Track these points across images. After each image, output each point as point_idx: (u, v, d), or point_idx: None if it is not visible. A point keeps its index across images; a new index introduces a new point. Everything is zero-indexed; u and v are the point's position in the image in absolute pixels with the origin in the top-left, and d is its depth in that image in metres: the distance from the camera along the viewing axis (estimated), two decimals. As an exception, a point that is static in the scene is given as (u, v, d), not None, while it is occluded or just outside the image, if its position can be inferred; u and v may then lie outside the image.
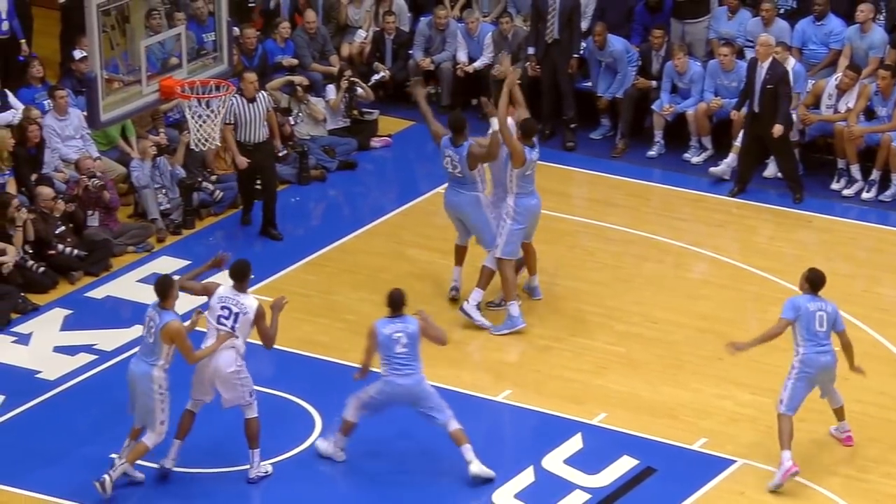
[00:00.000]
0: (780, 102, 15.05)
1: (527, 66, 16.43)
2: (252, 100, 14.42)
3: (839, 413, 11.55)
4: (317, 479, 11.43)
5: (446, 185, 13.38)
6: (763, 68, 15.08)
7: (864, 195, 15.53)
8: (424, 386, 11.18)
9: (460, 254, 13.57)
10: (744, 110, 15.34)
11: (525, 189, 12.93)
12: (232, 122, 14.33)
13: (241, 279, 11.09)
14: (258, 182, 14.77)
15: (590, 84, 16.76)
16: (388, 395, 11.17)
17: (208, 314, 11.05)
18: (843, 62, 15.77)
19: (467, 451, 11.18)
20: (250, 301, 11.03)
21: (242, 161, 14.50)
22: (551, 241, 14.33)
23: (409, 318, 11.12)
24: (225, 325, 10.97)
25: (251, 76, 14.64)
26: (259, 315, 11.02)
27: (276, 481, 11.32)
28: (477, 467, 11.15)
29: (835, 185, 15.73)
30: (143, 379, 10.87)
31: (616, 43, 16.37)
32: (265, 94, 14.71)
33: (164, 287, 10.87)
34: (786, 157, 15.47)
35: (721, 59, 15.97)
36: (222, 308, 11.00)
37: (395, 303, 11.17)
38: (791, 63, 15.59)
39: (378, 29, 17.27)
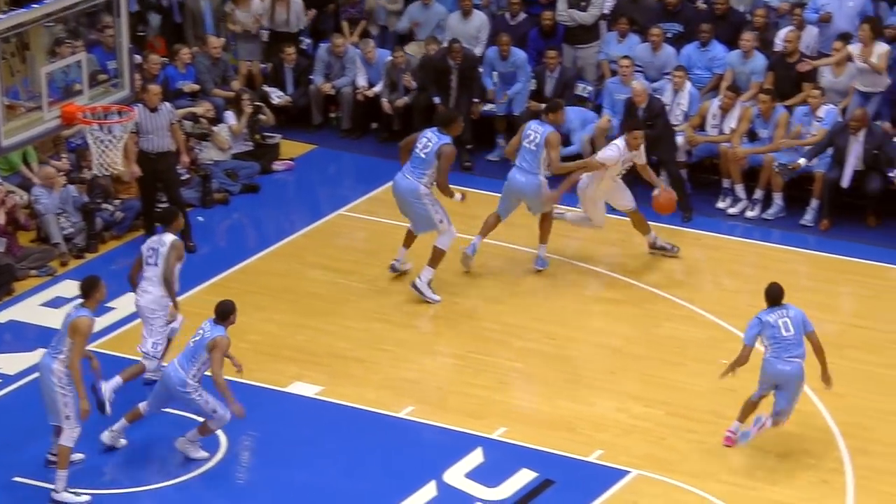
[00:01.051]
0: (668, 134, 15.45)
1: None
2: (154, 109, 14.28)
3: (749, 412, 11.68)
4: (223, 497, 11.32)
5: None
6: (641, 109, 15.35)
7: (749, 213, 15.78)
8: None
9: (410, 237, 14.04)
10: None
11: None
12: (134, 130, 14.16)
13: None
14: (160, 199, 14.58)
15: (489, 108, 16.84)
16: None
17: None
18: (725, 85, 16.04)
19: None
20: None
21: (136, 170, 14.37)
22: (452, 259, 14.34)
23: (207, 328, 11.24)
24: None
25: (155, 88, 14.53)
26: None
27: (187, 500, 11.17)
28: None
29: (720, 204, 15.96)
30: (44, 370, 10.85)
31: (518, 53, 16.48)
32: (169, 106, 14.56)
33: (88, 287, 10.95)
34: (675, 175, 15.69)
35: (621, 71, 16.09)
36: None
37: None
38: (687, 87, 15.97)
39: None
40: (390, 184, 14.52)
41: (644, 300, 14.12)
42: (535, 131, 14.09)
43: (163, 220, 12.35)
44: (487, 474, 11.47)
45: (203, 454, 11.53)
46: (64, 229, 14.64)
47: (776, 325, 11.47)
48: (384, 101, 16.98)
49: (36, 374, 12.36)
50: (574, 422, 12.08)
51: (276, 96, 17.04)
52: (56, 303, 13.86)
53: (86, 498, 10.99)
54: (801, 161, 15.21)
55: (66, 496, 10.89)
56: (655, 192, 14.44)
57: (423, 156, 13.74)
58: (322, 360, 12.97)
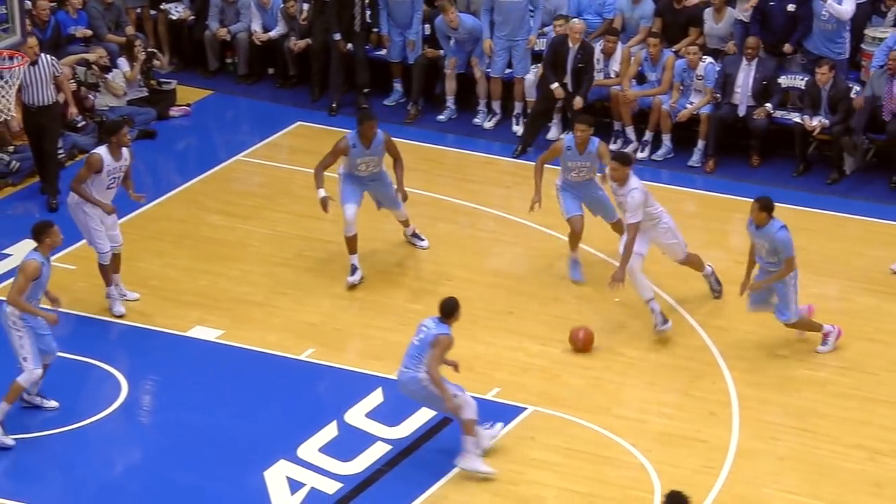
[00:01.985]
0: (586, 79, 15.38)
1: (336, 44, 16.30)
2: (34, 63, 13.91)
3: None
4: (125, 440, 11.23)
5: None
6: (574, 49, 15.29)
7: (639, 155, 15.90)
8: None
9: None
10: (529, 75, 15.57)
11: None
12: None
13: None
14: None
15: (384, 52, 16.71)
16: None
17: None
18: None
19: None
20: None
21: (17, 121, 14.07)
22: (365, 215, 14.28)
23: (445, 326, 10.74)
24: None
25: (31, 40, 14.10)
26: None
27: (89, 443, 11.07)
28: None
29: (612, 146, 16.04)
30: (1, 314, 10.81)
31: (468, 20, 16.17)
32: (49, 58, 14.15)
33: (38, 230, 10.93)
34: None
35: (448, 20, 15.93)
36: None
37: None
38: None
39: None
40: (290, 128, 14.34)
41: (539, 241, 14.20)
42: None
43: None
44: (388, 414, 11.50)
45: (487, 469, 10.86)
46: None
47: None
48: (289, 44, 16.70)
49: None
50: (472, 361, 12.13)
51: (175, 11, 16.69)
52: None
53: (11, 443, 10.88)
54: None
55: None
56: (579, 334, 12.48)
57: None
58: (223, 304, 12.87)
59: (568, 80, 15.44)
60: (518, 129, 16.17)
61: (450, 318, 10.85)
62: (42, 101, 13.99)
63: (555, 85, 15.38)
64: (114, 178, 12.39)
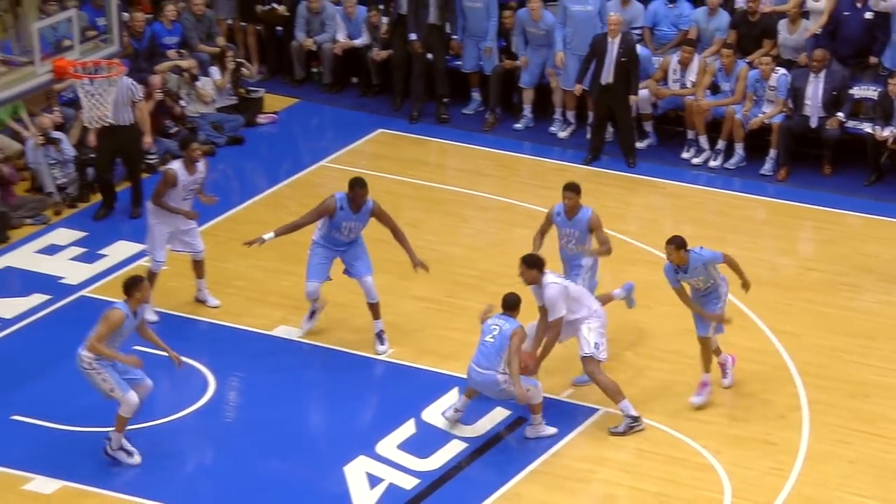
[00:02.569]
0: (633, 74, 15.19)
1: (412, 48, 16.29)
2: (113, 84, 13.61)
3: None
4: (212, 434, 11.31)
5: None
6: (615, 43, 15.20)
7: (711, 163, 15.78)
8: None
9: None
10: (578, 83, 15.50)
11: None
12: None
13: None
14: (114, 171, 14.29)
15: (460, 62, 16.72)
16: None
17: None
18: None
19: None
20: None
21: (92, 139, 14.09)
22: (428, 210, 14.31)
23: (513, 320, 10.72)
24: None
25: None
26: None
27: (177, 437, 11.18)
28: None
29: (685, 154, 15.95)
30: (76, 358, 10.50)
31: (549, 17, 16.06)
32: (129, 80, 13.88)
33: (128, 285, 10.50)
34: (627, 126, 15.66)
35: (531, 7, 15.85)
36: None
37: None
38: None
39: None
40: (372, 135, 14.34)
41: (613, 246, 14.08)
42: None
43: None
44: (465, 412, 11.47)
45: (552, 430, 11.17)
46: (57, 179, 14.52)
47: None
48: (372, 54, 16.79)
49: (32, 318, 12.40)
50: (546, 363, 12.06)
51: (245, 69, 16.80)
52: (50, 250, 13.79)
53: (137, 459, 10.79)
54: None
55: (120, 455, 10.74)
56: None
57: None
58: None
59: (610, 75, 15.25)
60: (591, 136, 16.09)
61: (515, 311, 10.91)
62: (119, 121, 13.81)
63: (577, 86, 15.23)
64: (190, 190, 12.44)
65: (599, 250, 11.90)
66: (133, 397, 10.61)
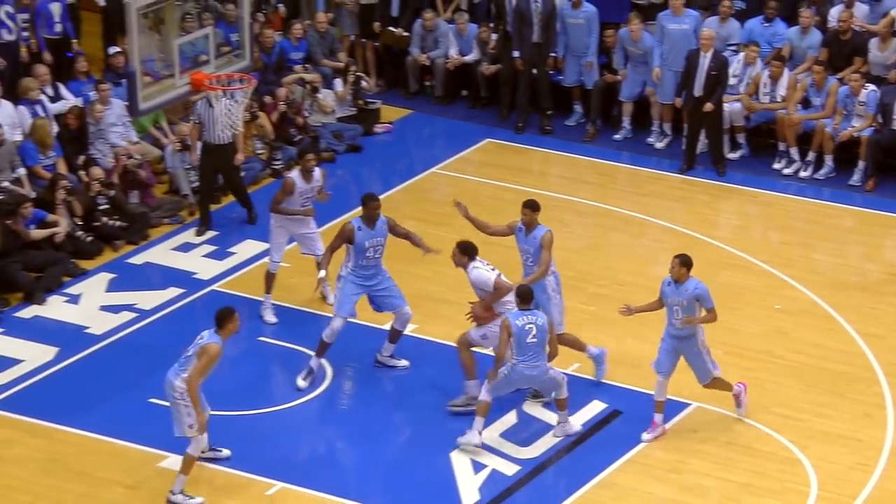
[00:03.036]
0: (718, 86, 15.11)
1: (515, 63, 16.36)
2: (211, 105, 13.59)
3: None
4: (329, 419, 11.46)
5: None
6: (706, 58, 15.09)
7: (802, 174, 15.60)
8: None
9: None
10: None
11: None
12: (198, 122, 13.80)
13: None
14: (216, 189, 14.26)
15: (562, 77, 16.71)
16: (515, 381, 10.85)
17: None
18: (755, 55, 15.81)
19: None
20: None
21: (194, 157, 14.07)
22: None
23: (538, 312, 10.44)
24: None
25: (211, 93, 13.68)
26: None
27: (298, 422, 11.33)
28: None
29: (776, 165, 15.78)
30: (167, 385, 10.21)
31: (648, 37, 16.03)
32: (227, 102, 13.66)
33: (222, 317, 10.11)
34: (717, 136, 15.53)
35: (631, 29, 15.83)
36: None
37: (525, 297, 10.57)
38: (759, 63, 15.72)
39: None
40: (480, 144, 14.35)
41: (704, 251, 14.02)
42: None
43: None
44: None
45: (577, 427, 11.17)
46: (192, 183, 14.80)
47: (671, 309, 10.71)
48: (481, 69, 16.89)
49: (169, 309, 12.67)
50: (640, 359, 12.06)
51: (364, 83, 16.97)
52: (185, 248, 14.08)
53: (200, 499, 10.38)
54: None
55: (179, 498, 10.31)
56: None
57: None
58: (417, 301, 13.01)
59: (701, 88, 15.15)
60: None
61: (530, 300, 10.79)
62: (219, 140, 13.78)
63: (676, 99, 15.11)
64: (306, 197, 12.42)
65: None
66: (205, 439, 10.26)
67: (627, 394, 11.72)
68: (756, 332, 12.48)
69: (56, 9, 15.76)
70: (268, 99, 15.79)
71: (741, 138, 16.02)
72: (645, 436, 11.09)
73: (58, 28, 15.77)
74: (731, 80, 15.63)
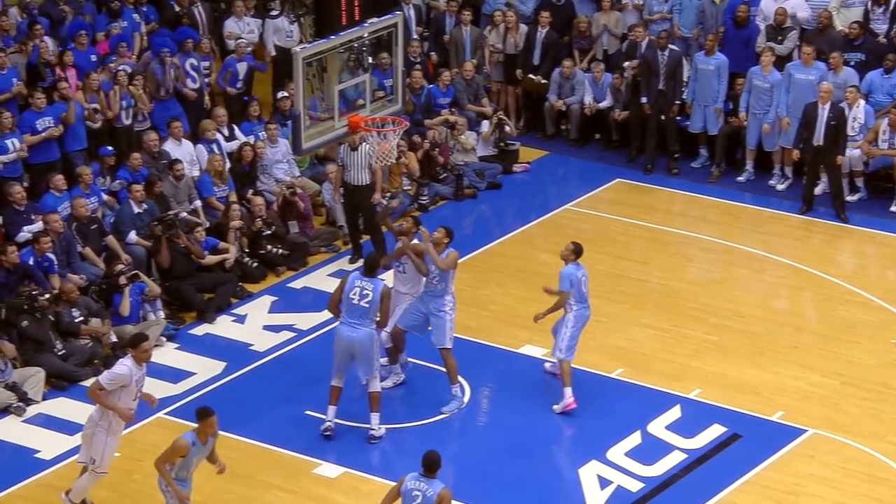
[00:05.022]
0: (841, 137, 14.78)
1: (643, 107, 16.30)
2: (355, 149, 13.81)
3: None
4: (466, 434, 11.53)
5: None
6: (825, 110, 14.80)
7: (918, 215, 15.18)
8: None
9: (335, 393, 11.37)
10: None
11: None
12: (342, 164, 13.97)
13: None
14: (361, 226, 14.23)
15: (689, 122, 16.56)
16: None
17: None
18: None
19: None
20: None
21: (338, 197, 14.19)
22: (658, 250, 14.22)
23: (436, 482, 9.32)
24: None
25: (355, 137, 13.73)
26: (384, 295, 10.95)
27: (438, 436, 11.40)
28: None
29: (893, 208, 15.38)
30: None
31: (776, 73, 15.77)
32: (368, 148, 13.69)
33: (199, 414, 9.74)
34: (837, 184, 15.20)
35: (763, 61, 15.57)
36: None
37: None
38: (861, 104, 15.36)
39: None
40: (611, 183, 14.31)
41: (823, 287, 13.73)
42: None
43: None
44: (684, 427, 11.39)
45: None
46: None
47: (581, 282, 11.05)
48: (613, 114, 16.87)
49: (324, 330, 12.85)
50: (759, 387, 11.87)
51: (507, 126, 17.06)
52: (339, 274, 14.26)
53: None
54: None
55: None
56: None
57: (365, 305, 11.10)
58: (548, 327, 13.03)
59: (821, 139, 14.83)
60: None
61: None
62: (358, 181, 13.89)
63: (794, 151, 14.86)
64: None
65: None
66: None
67: (746, 419, 11.53)
68: (872, 364, 12.16)
69: (242, 68, 16.30)
70: (416, 138, 16.01)
71: (860, 182, 15.65)
72: (556, 407, 11.47)
73: (240, 85, 16.30)
74: (851, 131, 15.31)
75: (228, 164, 14.90)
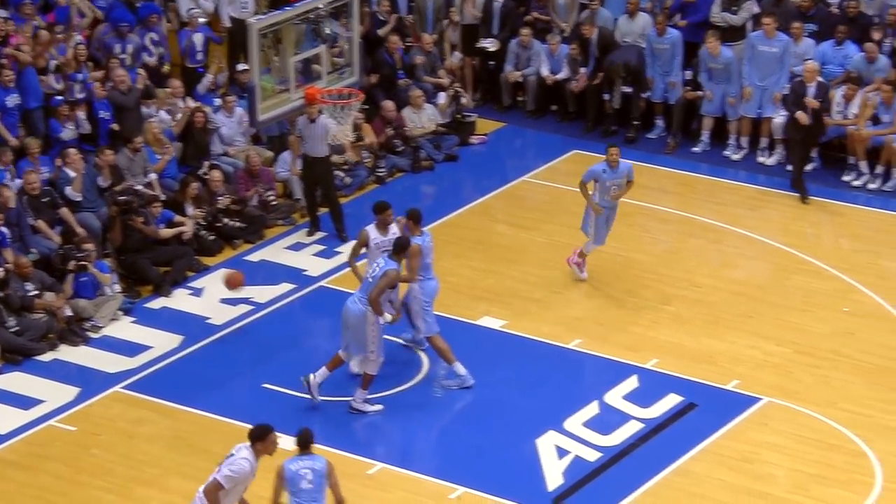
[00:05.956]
0: (820, 111, 14.82)
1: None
2: (313, 121, 13.65)
3: None
4: (424, 406, 11.50)
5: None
6: (811, 88, 14.78)
7: (870, 186, 15.25)
8: None
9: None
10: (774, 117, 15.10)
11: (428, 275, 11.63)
12: (299, 136, 13.86)
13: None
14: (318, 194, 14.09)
15: (648, 94, 16.54)
16: None
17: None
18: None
19: None
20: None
21: (296, 169, 14.10)
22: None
23: (318, 456, 8.95)
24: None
25: (312, 110, 13.58)
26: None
27: (396, 408, 11.39)
28: None
29: (846, 177, 15.46)
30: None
31: (727, 52, 15.80)
32: (326, 119, 13.64)
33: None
34: (804, 157, 15.26)
35: (709, 47, 15.59)
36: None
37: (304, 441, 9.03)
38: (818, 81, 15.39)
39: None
40: (567, 154, 14.33)
41: (778, 256, 13.80)
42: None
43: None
44: (641, 397, 11.42)
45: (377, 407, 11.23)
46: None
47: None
48: (570, 86, 16.79)
49: (281, 303, 12.73)
50: (714, 356, 11.92)
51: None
52: (296, 247, 14.22)
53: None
54: None
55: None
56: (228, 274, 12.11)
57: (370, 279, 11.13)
58: (506, 299, 13.05)
59: (809, 117, 14.91)
60: (762, 159, 15.76)
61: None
62: (317, 153, 13.75)
63: (799, 112, 14.89)
64: (383, 250, 11.48)
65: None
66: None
67: (702, 388, 11.58)
68: (825, 332, 12.24)
69: (199, 40, 16.04)
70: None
71: (813, 152, 15.71)
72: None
73: (199, 57, 16.04)
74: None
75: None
